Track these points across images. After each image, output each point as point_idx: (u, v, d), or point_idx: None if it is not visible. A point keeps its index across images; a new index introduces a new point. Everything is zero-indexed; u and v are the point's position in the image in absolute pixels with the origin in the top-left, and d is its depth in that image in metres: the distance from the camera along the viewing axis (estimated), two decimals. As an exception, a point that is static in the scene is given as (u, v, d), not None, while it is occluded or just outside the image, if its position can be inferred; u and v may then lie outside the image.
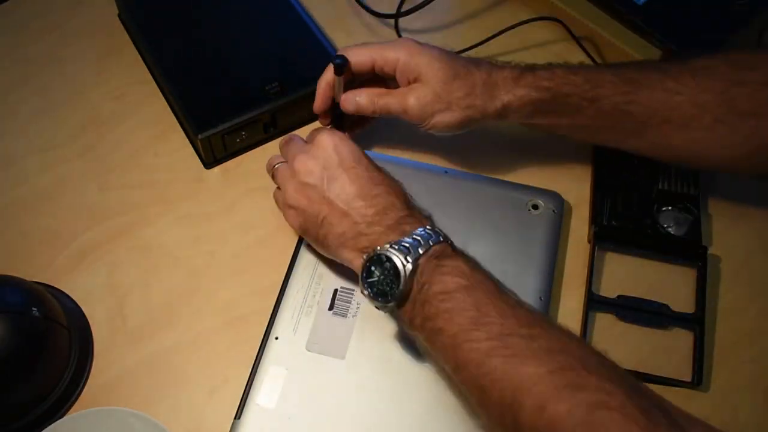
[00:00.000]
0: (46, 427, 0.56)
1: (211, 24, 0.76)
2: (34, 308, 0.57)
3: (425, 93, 0.62)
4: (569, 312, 0.63)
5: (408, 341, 0.59)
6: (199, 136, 0.69)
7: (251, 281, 0.65)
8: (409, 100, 0.62)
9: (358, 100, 0.64)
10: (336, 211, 0.56)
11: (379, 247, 0.53)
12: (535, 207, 0.66)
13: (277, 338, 0.60)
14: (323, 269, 0.63)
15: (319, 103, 0.67)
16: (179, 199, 0.70)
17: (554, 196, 0.67)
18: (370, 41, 0.80)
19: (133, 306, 0.64)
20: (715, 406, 0.59)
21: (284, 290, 0.62)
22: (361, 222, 0.55)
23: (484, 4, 0.83)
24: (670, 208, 0.66)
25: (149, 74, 0.78)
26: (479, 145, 0.73)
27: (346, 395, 0.57)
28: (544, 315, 0.50)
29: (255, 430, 0.56)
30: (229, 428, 0.56)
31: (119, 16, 0.82)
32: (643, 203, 0.67)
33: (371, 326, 0.60)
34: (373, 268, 0.53)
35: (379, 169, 0.59)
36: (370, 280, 0.53)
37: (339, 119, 0.68)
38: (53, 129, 0.74)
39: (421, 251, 0.52)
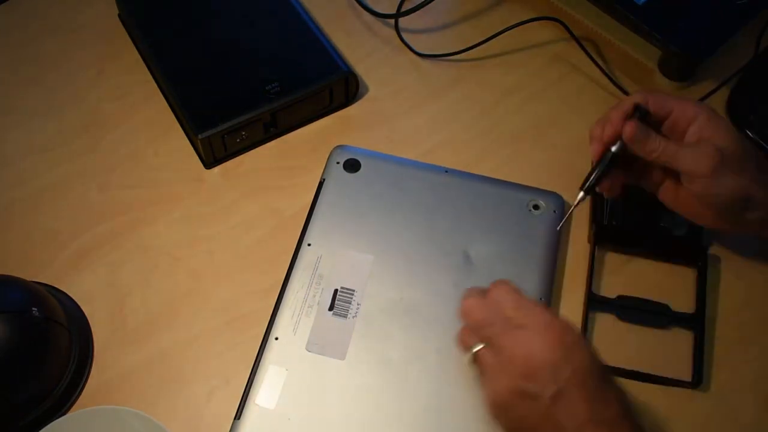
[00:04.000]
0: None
1: (211, 24, 0.76)
2: (34, 308, 0.57)
3: (723, 147, 0.55)
4: (569, 312, 0.63)
5: (408, 342, 0.59)
6: (199, 136, 0.69)
7: (251, 281, 0.65)
8: (704, 151, 0.55)
9: (646, 139, 0.56)
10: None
11: None
12: (536, 207, 0.66)
13: (277, 338, 0.60)
14: (323, 269, 0.63)
15: (609, 134, 0.58)
16: (179, 199, 0.70)
17: (555, 197, 0.67)
18: (370, 41, 0.80)
19: (133, 306, 0.64)
20: (715, 406, 0.59)
21: (284, 290, 0.62)
22: None
23: (484, 4, 0.83)
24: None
25: (149, 74, 0.78)
26: (480, 145, 0.73)
27: (345, 396, 0.57)
28: None
29: (255, 430, 0.56)
30: (229, 428, 0.56)
31: (119, 16, 0.82)
32: (643, 203, 0.67)
33: (371, 327, 0.60)
34: None
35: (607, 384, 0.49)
36: None
37: (609, 164, 0.59)
38: (53, 129, 0.74)
39: None
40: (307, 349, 0.59)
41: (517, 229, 0.64)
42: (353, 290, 0.62)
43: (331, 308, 0.61)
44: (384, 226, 0.65)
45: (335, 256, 0.63)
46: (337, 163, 0.68)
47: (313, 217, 0.66)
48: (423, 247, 0.64)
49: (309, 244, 0.64)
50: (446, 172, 0.68)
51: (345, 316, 0.61)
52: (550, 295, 0.62)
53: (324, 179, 0.68)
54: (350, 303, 0.61)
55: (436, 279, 0.62)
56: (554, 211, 0.66)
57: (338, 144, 0.71)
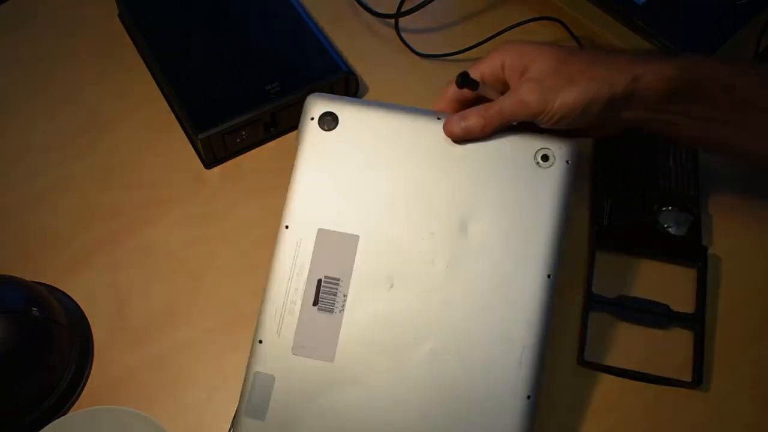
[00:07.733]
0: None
1: (211, 24, 0.76)
2: (34, 308, 0.57)
3: (542, 73, 0.53)
4: (569, 312, 0.63)
5: (400, 337, 0.55)
6: (199, 136, 0.69)
7: (251, 281, 0.65)
8: (524, 88, 0.53)
9: (465, 123, 0.55)
10: None
11: None
12: (545, 158, 0.55)
13: (261, 342, 0.54)
14: (304, 256, 0.55)
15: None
16: (179, 199, 0.70)
17: (568, 144, 0.55)
18: (370, 41, 0.80)
19: (134, 306, 0.64)
20: (714, 406, 0.59)
21: (267, 285, 0.55)
22: None
23: (484, 4, 0.83)
24: (670, 208, 0.66)
25: (149, 74, 0.78)
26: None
27: (338, 401, 0.53)
28: None
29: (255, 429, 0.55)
30: (228, 428, 0.56)
31: (119, 16, 0.82)
32: (643, 203, 0.67)
33: (360, 320, 0.54)
34: None
35: None
36: None
37: None
38: (53, 129, 0.74)
39: None
40: (293, 353, 0.54)
41: (522, 185, 0.55)
42: (338, 279, 0.55)
43: (315, 303, 0.54)
44: (370, 195, 0.56)
45: (316, 237, 0.55)
46: (312, 119, 0.57)
47: (289, 192, 0.57)
48: (414, 218, 0.55)
49: (287, 227, 0.55)
50: (439, 119, 0.57)
51: (331, 311, 0.54)
52: (557, 272, 0.55)
53: (300, 143, 0.58)
54: (335, 295, 0.54)
55: (429, 258, 0.55)
56: (567, 162, 0.55)
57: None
